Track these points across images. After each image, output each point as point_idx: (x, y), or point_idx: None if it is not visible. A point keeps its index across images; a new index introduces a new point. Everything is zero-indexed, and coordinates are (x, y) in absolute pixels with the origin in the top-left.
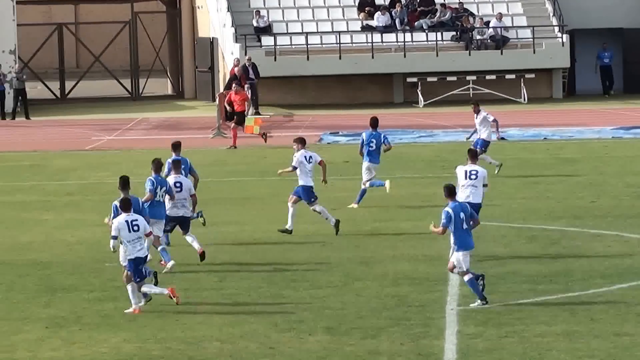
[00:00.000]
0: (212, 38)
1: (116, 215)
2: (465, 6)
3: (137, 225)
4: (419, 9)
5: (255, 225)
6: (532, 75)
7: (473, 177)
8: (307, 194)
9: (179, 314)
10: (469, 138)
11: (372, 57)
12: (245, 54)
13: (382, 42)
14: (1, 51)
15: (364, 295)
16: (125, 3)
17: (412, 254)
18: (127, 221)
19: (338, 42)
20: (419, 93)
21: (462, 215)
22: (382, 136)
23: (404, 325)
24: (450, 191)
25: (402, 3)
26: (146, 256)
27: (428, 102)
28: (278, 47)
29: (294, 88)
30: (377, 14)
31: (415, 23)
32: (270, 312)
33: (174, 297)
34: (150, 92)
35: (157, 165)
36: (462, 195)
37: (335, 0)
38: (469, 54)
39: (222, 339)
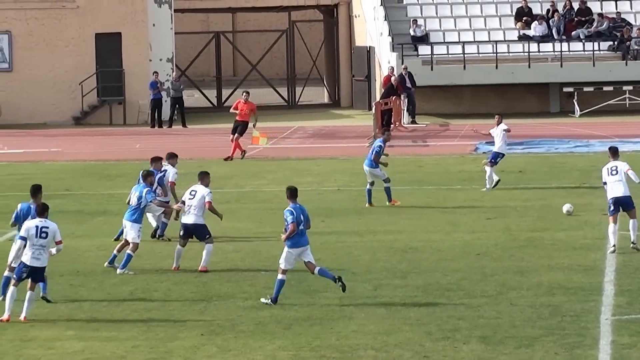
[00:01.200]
0: (369, 47)
1: None
2: (622, 16)
3: (46, 233)
4: (576, 18)
5: (410, 234)
6: None
7: (614, 172)
8: None
9: (334, 321)
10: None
11: (529, 67)
12: (402, 63)
13: (538, 51)
14: (159, 59)
15: (519, 304)
16: (282, 12)
17: (567, 264)
18: (36, 226)
19: (495, 51)
20: (575, 103)
21: (301, 217)
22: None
23: (558, 334)
24: (292, 193)
25: (560, 13)
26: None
27: (584, 112)
28: (435, 56)
29: (450, 97)
30: (534, 24)
31: (572, 33)
32: (424, 321)
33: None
34: (307, 100)
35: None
36: (611, 192)
37: (492, 9)
38: (626, 64)
39: (376, 347)
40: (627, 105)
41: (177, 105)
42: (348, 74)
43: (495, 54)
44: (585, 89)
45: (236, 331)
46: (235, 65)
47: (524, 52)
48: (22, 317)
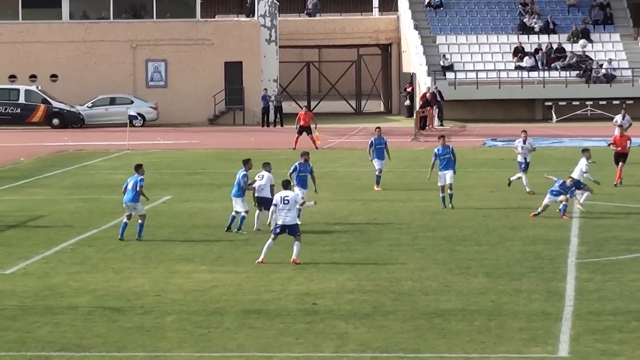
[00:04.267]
0: (412, 72)
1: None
2: (587, 53)
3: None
4: (554, 55)
5: (438, 202)
6: (631, 102)
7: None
8: None
9: (385, 261)
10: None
11: (522, 88)
12: (434, 84)
13: (528, 77)
14: (267, 80)
15: (512, 250)
16: (353, 48)
17: (545, 223)
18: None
19: (498, 76)
20: (553, 113)
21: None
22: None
23: (539, 272)
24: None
25: (543, 51)
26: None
27: (559, 119)
28: (457, 79)
29: (467, 108)
30: (526, 58)
31: (552, 64)
32: (447, 261)
33: None
34: (369, 109)
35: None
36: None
37: (497, 48)
38: (588, 86)
39: (413, 278)
40: (589, 115)
41: (278, 112)
42: (398, 90)
43: (498, 79)
44: (560, 103)
45: (318, 267)
46: (320, 85)
47: (518, 77)
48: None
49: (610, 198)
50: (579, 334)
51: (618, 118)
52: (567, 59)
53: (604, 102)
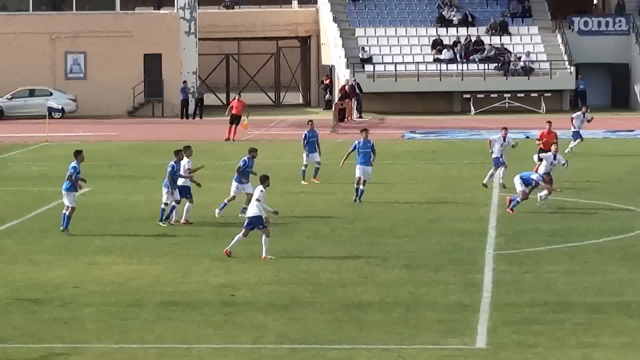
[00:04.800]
0: (331, 65)
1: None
2: (505, 46)
3: None
4: (472, 47)
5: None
6: (549, 94)
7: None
8: None
9: (303, 252)
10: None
11: (440, 80)
12: (353, 76)
13: (447, 69)
14: (186, 72)
15: (430, 242)
16: (272, 41)
17: (464, 215)
18: None
19: (417, 69)
20: (471, 105)
21: None
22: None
23: (457, 263)
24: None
25: (462, 43)
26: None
27: (477, 111)
28: (376, 72)
29: (385, 100)
30: (444, 51)
31: (470, 57)
32: (365, 254)
33: None
34: (288, 101)
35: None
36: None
37: (415, 40)
38: (506, 79)
39: (331, 270)
40: (507, 107)
41: (198, 104)
42: (316, 83)
43: (417, 71)
44: (479, 95)
45: (236, 259)
46: (239, 77)
47: (437, 70)
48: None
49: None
50: (497, 326)
51: (577, 120)
52: (486, 51)
53: (522, 95)
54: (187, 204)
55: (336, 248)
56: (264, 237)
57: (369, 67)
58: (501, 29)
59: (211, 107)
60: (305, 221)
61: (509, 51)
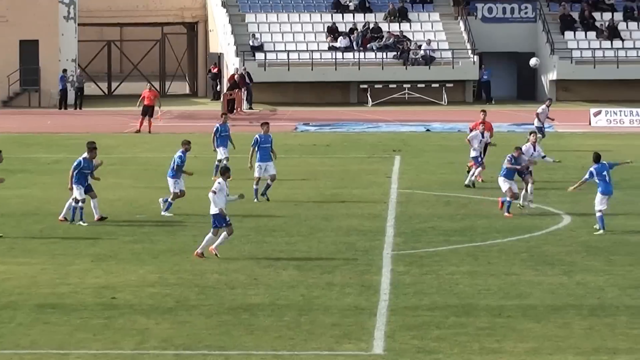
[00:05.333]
0: (220, 53)
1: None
2: (404, 34)
3: None
4: (370, 35)
5: (248, 190)
6: (451, 85)
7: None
8: None
9: (190, 252)
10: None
11: (336, 69)
12: (243, 65)
13: (343, 58)
14: (66, 60)
15: (324, 242)
16: (157, 27)
17: (360, 213)
18: None
19: (311, 57)
20: (369, 96)
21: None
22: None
23: (352, 264)
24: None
25: (359, 30)
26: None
27: (375, 102)
28: (267, 60)
29: (278, 91)
30: (340, 38)
31: (368, 45)
32: (255, 254)
33: None
34: (173, 91)
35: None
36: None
37: (309, 27)
38: (406, 68)
39: (219, 271)
40: (407, 98)
41: (78, 94)
42: (204, 72)
43: (311, 60)
44: (376, 86)
45: (117, 259)
46: (122, 65)
47: (332, 58)
48: None
49: (429, 187)
50: (395, 330)
51: (542, 115)
52: (384, 39)
53: (423, 86)
54: (92, 201)
55: (224, 247)
56: (224, 233)
57: (259, 56)
58: (400, 15)
59: (92, 97)
60: (190, 219)
61: (409, 39)
